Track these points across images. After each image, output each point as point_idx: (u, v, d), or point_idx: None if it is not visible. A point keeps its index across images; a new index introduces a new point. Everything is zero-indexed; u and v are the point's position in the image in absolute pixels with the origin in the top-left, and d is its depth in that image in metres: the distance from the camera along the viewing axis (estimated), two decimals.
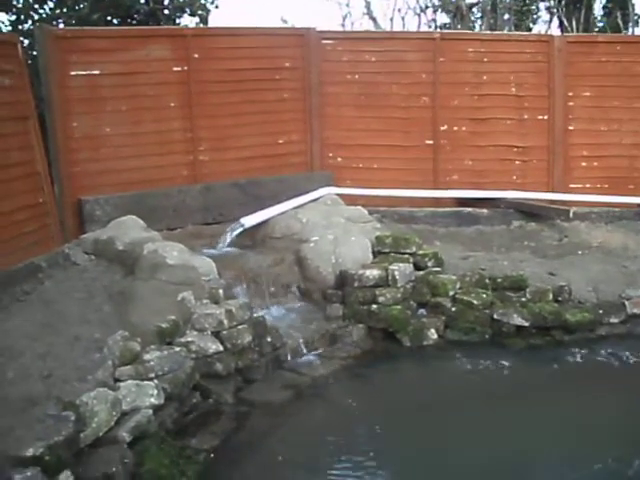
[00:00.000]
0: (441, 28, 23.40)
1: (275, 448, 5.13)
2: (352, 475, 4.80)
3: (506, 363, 6.72)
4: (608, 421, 5.50)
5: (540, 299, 7.31)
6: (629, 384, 6.36)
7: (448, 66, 10.12)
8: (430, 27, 23.42)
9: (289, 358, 6.50)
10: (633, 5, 22.47)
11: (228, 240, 7.87)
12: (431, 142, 10.07)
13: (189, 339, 5.76)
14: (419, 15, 23.86)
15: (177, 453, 4.70)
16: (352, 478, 4.77)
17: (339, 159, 10.01)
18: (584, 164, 10.42)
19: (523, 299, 7.32)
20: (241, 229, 7.97)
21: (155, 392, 4.92)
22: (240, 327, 6.05)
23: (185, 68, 9.04)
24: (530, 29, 23.39)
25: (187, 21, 12.91)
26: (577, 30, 21.09)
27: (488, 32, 18.45)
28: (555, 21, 23.95)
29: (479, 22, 23.40)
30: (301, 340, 6.66)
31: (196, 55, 9.09)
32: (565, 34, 15.31)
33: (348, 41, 10.41)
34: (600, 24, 23.78)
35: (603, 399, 5.95)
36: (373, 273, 7.18)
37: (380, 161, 9.97)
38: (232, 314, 6.02)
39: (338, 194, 8.96)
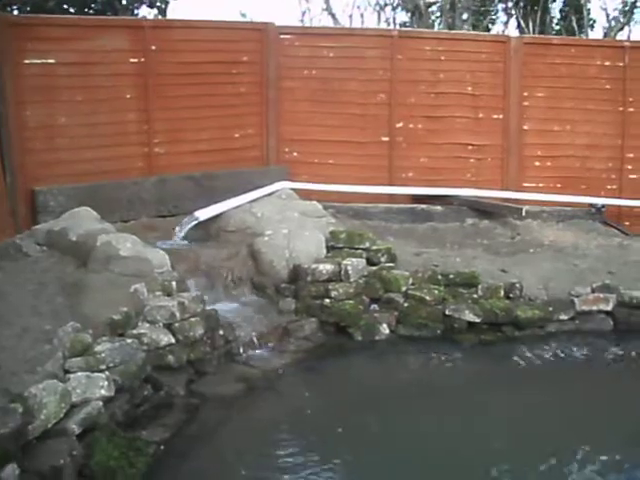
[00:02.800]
0: (401, 26, 23.52)
1: (226, 440, 5.14)
2: (302, 468, 4.80)
3: (457, 359, 6.80)
4: (557, 416, 5.60)
5: (492, 296, 7.39)
6: (577, 380, 6.48)
7: (405, 64, 10.21)
8: (389, 25, 23.52)
9: (241, 351, 6.49)
10: (588, 10, 22.82)
11: (182, 233, 7.85)
12: (387, 139, 10.16)
13: (141, 331, 5.71)
14: (378, 12, 23.97)
15: (127, 445, 4.66)
16: (302, 471, 4.78)
17: (295, 154, 10.05)
18: (538, 163, 10.59)
19: (475, 295, 7.38)
20: (195, 222, 7.94)
21: (106, 384, 4.88)
22: (192, 320, 6.03)
23: (142, 60, 9.00)
24: (488, 29, 23.63)
25: (145, 12, 12.87)
26: (534, 32, 21.35)
27: (446, 31, 18.60)
28: (513, 22, 24.22)
29: (438, 21, 23.57)
30: (254, 334, 6.65)
31: (153, 47, 9.06)
32: (521, 35, 15.45)
33: (306, 36, 10.46)
34: (557, 27, 24.10)
35: (551, 394, 6.04)
36: (326, 268, 7.22)
37: (336, 157, 10.03)
38: (184, 307, 6.00)
39: (293, 189, 8.97)
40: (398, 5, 23.88)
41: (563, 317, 7.49)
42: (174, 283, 6.33)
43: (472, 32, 19.19)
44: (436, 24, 23.50)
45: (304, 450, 5.02)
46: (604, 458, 4.96)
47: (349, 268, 7.21)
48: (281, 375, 6.28)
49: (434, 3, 23.05)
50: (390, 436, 5.23)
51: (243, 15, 23.34)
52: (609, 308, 7.62)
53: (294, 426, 5.41)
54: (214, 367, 6.15)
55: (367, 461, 4.89)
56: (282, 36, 10.04)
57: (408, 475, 4.73)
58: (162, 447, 4.89)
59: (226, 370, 6.21)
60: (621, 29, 24.42)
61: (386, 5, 24.08)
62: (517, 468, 4.80)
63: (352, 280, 7.20)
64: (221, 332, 6.34)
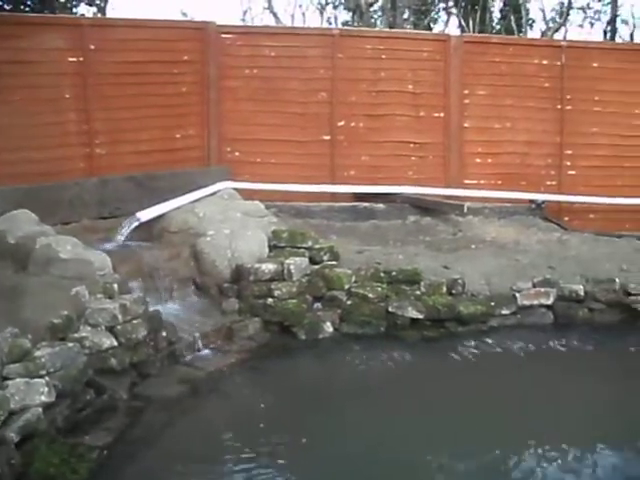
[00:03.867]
0: (343, 25, 23.63)
1: (170, 443, 5.11)
2: (247, 468, 4.80)
3: (401, 355, 6.86)
4: (500, 409, 5.74)
5: (434, 292, 7.47)
6: (518, 373, 6.60)
7: (346, 62, 10.26)
8: (330, 24, 23.59)
9: (185, 353, 6.45)
10: (527, 10, 23.19)
11: (124, 234, 7.76)
12: (328, 137, 10.20)
13: (83, 334, 5.64)
14: (320, 11, 24.04)
15: (68, 451, 4.60)
16: (247, 471, 4.78)
17: (237, 153, 10.03)
18: (478, 160, 10.73)
19: (418, 292, 7.45)
20: (137, 223, 7.86)
21: (46, 389, 4.80)
22: (135, 322, 5.97)
23: (81, 59, 8.92)
24: (430, 28, 23.86)
25: (84, 10, 12.71)
26: (474, 31, 21.62)
27: (387, 30, 18.70)
28: (454, 21, 24.51)
29: (379, 20, 23.72)
30: (197, 335, 6.62)
31: (92, 46, 8.97)
32: (462, 34, 15.62)
33: (247, 35, 10.43)
34: (497, 26, 24.45)
35: (494, 388, 6.18)
36: (269, 267, 7.23)
37: (278, 156, 10.03)
38: (126, 309, 5.94)
39: (235, 188, 8.93)
40: (339, 4, 23.95)
41: (505, 312, 7.62)
42: (116, 285, 6.25)
43: (413, 31, 19.34)
44: (378, 23, 23.63)
45: (250, 451, 5.00)
46: (546, 449, 5.07)
47: (292, 267, 7.22)
48: (225, 376, 6.26)
49: (375, 2, 23.18)
50: (336, 434, 5.23)
51: (184, 14, 23.26)
52: (550, 302, 7.79)
53: (239, 427, 5.39)
54: (157, 369, 6.10)
55: (313, 460, 4.91)
56: (223, 35, 10.02)
57: (354, 473, 4.75)
58: (105, 452, 4.82)
59: (170, 372, 6.16)
60: (557, 29, 24.92)
61: (327, 4, 24.13)
62: (460, 462, 4.87)
63: (295, 279, 7.22)
64: (164, 334, 6.30)
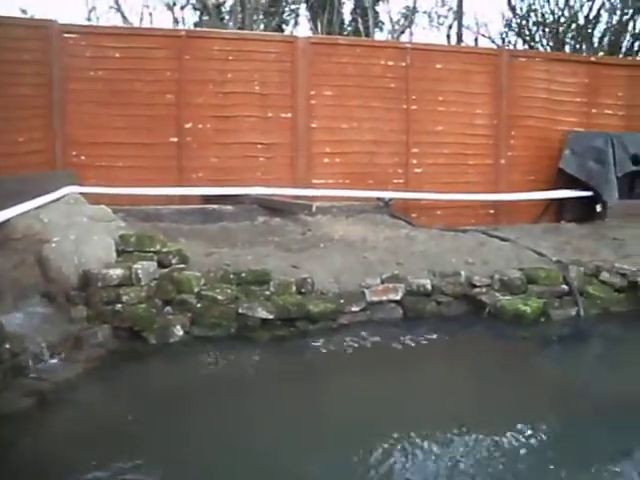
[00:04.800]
0: (195, 26, 23.47)
1: (19, 458, 4.92)
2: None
3: (252, 355, 6.91)
4: (355, 404, 5.85)
5: (284, 292, 7.53)
6: (369, 368, 6.78)
7: (193, 64, 10.20)
8: (178, 24, 23.38)
9: (31, 364, 6.21)
10: (376, 12, 23.71)
11: None
12: (176, 139, 10.11)
13: None
14: (169, 11, 23.80)
15: None
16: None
17: (82, 157, 9.78)
18: (326, 160, 10.89)
19: (267, 292, 7.50)
20: None
21: None
22: None
23: None
24: (281, 29, 24.01)
25: None
26: (324, 33, 21.92)
27: (234, 31, 18.72)
28: (305, 23, 24.78)
29: (229, 21, 23.70)
30: (44, 344, 6.39)
31: None
32: (309, 36, 15.81)
33: (92, 36, 10.15)
34: (348, 28, 24.90)
35: (345, 383, 6.36)
36: (116, 272, 7.10)
37: (125, 159, 9.86)
38: None
39: (82, 193, 8.72)
40: (187, 4, 23.78)
41: (355, 309, 7.78)
42: None
43: (260, 32, 19.46)
44: (227, 24, 23.60)
45: (103, 461, 4.85)
46: (404, 439, 5.19)
47: (140, 272, 7.13)
48: (74, 385, 6.08)
49: (223, 3, 23.13)
50: (189, 440, 5.18)
51: (23, 12, 22.40)
52: (398, 297, 8.02)
53: (91, 437, 5.20)
54: (0, 383, 5.90)
55: (169, 465, 4.84)
56: (66, 35, 9.73)
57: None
58: None
59: (14, 385, 5.91)
60: (403, 32, 25.65)
61: (175, 4, 23.91)
62: (312, 461, 4.91)
63: (143, 283, 7.13)
64: (7, 345, 6.08)
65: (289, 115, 10.63)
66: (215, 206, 9.71)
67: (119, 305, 7.00)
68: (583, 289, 8.52)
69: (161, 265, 7.49)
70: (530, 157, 12.02)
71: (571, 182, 11.72)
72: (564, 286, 8.47)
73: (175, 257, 7.60)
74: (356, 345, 7.23)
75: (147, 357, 6.82)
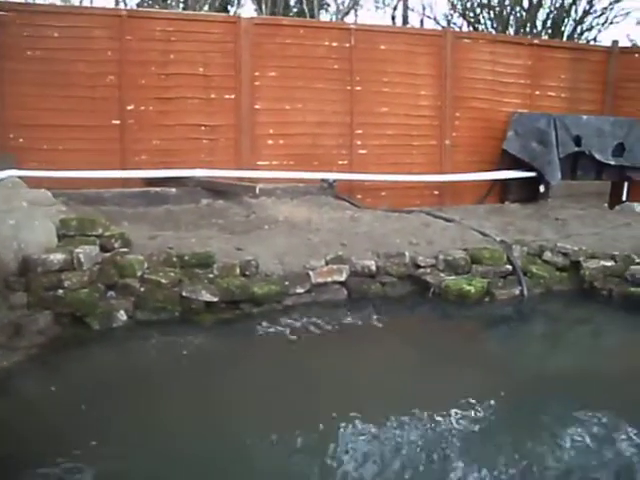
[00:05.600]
0: (138, 6, 23.14)
1: None
2: (51, 472, 4.56)
3: (197, 339, 6.86)
4: (302, 384, 5.90)
5: (228, 274, 7.48)
6: (317, 349, 6.81)
7: (135, 44, 10.04)
8: (119, 3, 23.04)
9: None
10: None
11: None
12: (118, 122, 9.93)
13: None
14: None
15: None
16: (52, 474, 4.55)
17: (21, 140, 9.53)
18: (270, 142, 10.83)
19: (211, 275, 7.45)
20: None
21: None
22: None
23: None
24: (226, 10, 23.79)
25: None
26: (268, 13, 21.78)
27: (176, 11, 18.51)
28: (249, 4, 24.62)
29: (172, 1, 23.41)
30: None
31: None
32: (252, 16, 15.64)
33: (28, 14, 9.84)
34: (294, 9, 24.79)
35: (291, 365, 6.34)
36: (57, 257, 6.94)
37: (66, 142, 9.65)
38: None
39: (21, 177, 8.53)
40: None
41: (299, 290, 7.76)
42: None
43: (203, 12, 19.21)
44: (173, 4, 23.30)
45: (46, 453, 4.73)
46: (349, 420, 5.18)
47: (81, 256, 6.98)
48: (13, 374, 5.94)
49: None
50: (135, 426, 5.14)
51: None
52: (343, 279, 8.02)
53: (33, 427, 5.08)
54: None
55: (115, 451, 4.76)
56: (1, 13, 9.48)
57: (161, 466, 4.65)
58: None
59: None
60: (348, 13, 25.61)
61: None
62: (264, 441, 4.90)
63: (85, 268, 6.98)
64: None
65: (233, 97, 10.53)
66: (158, 189, 9.58)
67: (61, 291, 6.85)
68: (526, 269, 8.63)
69: (103, 249, 7.36)
70: (474, 138, 12.12)
71: (515, 163, 11.85)
72: (508, 266, 8.57)
73: (118, 241, 7.47)
74: (301, 327, 7.22)
75: (90, 343, 6.70)
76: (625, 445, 4.96)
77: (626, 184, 12.25)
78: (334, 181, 10.62)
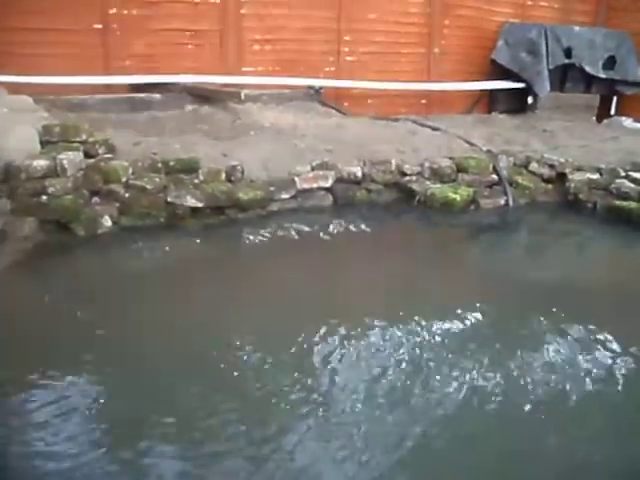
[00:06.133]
0: None
1: None
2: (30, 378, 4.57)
3: (183, 244, 6.88)
4: (295, 291, 5.95)
5: (213, 180, 7.46)
6: (305, 254, 6.91)
7: None
8: None
9: None
10: None
11: None
12: (100, 26, 9.63)
13: None
14: None
15: None
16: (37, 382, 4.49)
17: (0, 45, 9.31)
18: (257, 47, 10.63)
19: (196, 181, 7.41)
20: None
21: None
22: None
23: None
24: None
25: None
26: None
27: None
28: None
29: None
30: None
31: None
32: None
33: None
34: None
35: (282, 271, 6.40)
36: (40, 163, 6.84)
37: (47, 46, 9.31)
38: None
39: (0, 82, 8.37)
40: None
41: (285, 196, 7.78)
42: None
43: None
44: None
45: (36, 354, 4.76)
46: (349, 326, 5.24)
47: (65, 162, 6.89)
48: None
49: None
50: (127, 329, 5.17)
51: None
52: (328, 185, 8.06)
53: (19, 331, 5.10)
54: None
55: (108, 356, 4.78)
56: None
57: (155, 369, 4.69)
58: None
59: None
60: None
61: None
62: (258, 346, 4.92)
63: (69, 174, 6.89)
64: None
65: (218, 1, 10.27)
66: (143, 95, 9.41)
67: (44, 197, 6.77)
68: (512, 179, 8.67)
69: (87, 155, 7.26)
70: (464, 47, 11.98)
71: (504, 73, 11.73)
72: (494, 176, 8.60)
73: (102, 147, 7.37)
74: (286, 232, 7.27)
75: (75, 249, 6.69)
76: (606, 354, 5.05)
77: (615, 98, 12.18)
78: (321, 88, 10.49)
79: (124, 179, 7.13)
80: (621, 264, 7.34)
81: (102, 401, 4.26)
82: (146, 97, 9.38)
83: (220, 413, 4.16)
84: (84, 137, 7.36)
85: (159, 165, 7.36)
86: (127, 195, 7.10)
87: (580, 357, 4.99)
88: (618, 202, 8.21)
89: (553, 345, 5.15)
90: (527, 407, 4.38)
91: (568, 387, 4.60)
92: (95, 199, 7.11)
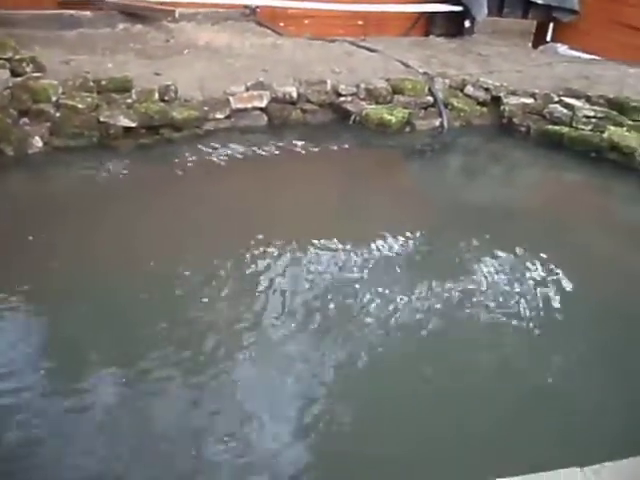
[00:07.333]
0: None
1: None
2: None
3: (117, 164, 6.79)
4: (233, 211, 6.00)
5: (146, 99, 7.33)
6: (241, 174, 6.96)
7: None
8: None
9: None
10: None
11: None
12: None
13: None
14: None
15: None
16: None
17: None
18: None
19: (129, 100, 7.27)
20: None
21: None
22: None
23: None
24: None
25: None
26: None
27: None
28: None
29: None
30: None
31: None
32: None
33: None
34: None
35: (216, 186, 6.51)
36: None
37: None
38: None
39: None
40: None
41: (219, 116, 7.73)
42: None
43: None
44: None
45: None
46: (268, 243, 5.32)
47: None
48: None
49: None
50: (60, 251, 5.17)
51: None
52: (263, 105, 8.02)
53: None
54: None
55: (31, 272, 4.80)
56: None
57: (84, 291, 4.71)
58: None
59: None
60: None
61: None
62: (190, 269, 4.98)
63: None
64: None
65: None
66: (72, 12, 9.02)
67: None
68: (448, 101, 8.73)
69: (14, 74, 7.03)
70: None
71: None
72: (429, 98, 8.65)
73: (29, 65, 7.15)
74: (220, 152, 7.26)
75: (5, 168, 6.54)
76: (536, 275, 5.20)
77: (551, 24, 12.19)
78: (256, 7, 10.29)
79: (54, 98, 6.95)
80: (552, 187, 7.54)
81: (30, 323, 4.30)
82: (75, 14, 8.99)
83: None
84: (10, 54, 7.11)
85: (91, 84, 7.19)
86: (58, 115, 6.93)
87: (514, 278, 5.16)
88: (551, 126, 8.33)
89: (487, 267, 5.28)
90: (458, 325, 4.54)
91: (497, 305, 4.78)
92: (24, 119, 6.91)
